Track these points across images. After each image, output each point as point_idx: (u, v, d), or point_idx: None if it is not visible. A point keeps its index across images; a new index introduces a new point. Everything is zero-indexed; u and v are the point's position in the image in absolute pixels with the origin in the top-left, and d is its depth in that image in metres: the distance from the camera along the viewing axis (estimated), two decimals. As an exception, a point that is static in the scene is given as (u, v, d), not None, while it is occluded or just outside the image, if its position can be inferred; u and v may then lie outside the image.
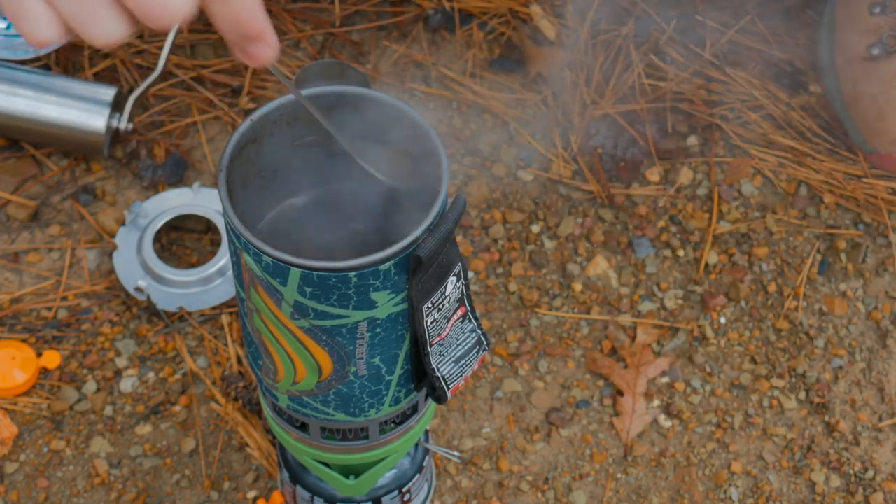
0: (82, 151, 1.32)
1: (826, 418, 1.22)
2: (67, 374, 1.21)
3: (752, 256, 1.29)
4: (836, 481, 1.19)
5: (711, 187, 1.33)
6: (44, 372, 1.21)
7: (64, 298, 1.25)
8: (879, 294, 1.28)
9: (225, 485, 1.17)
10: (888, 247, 1.31)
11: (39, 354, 1.22)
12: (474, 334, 0.88)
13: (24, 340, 1.22)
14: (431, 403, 0.97)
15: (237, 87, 1.37)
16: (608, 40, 1.40)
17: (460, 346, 0.87)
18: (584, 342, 1.24)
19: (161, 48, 1.38)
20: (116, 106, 1.30)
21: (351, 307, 0.79)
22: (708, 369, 1.23)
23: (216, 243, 1.29)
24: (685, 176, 1.34)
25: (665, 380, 1.23)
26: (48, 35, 0.68)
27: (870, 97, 1.30)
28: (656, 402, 1.21)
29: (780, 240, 1.31)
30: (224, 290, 1.25)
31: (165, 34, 1.33)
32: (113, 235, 1.28)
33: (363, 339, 0.82)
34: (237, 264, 0.82)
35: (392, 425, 0.94)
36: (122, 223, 1.29)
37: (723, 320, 1.26)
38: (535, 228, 1.30)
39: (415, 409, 0.94)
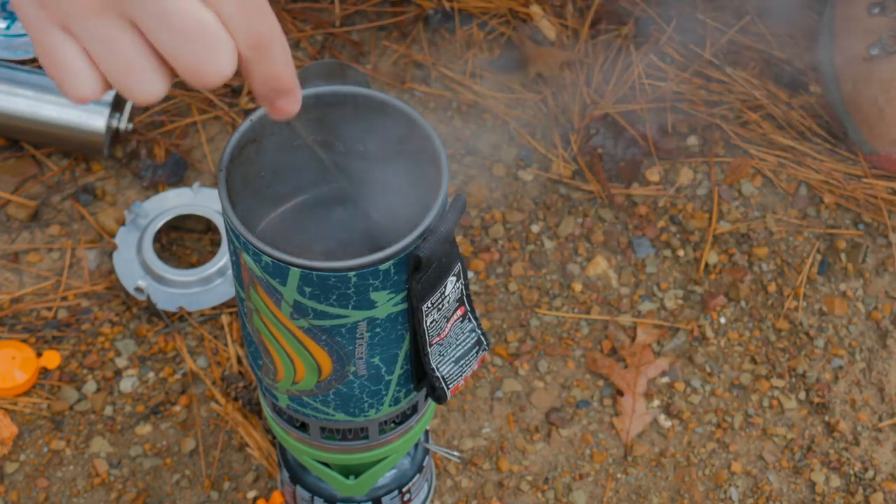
0: (82, 151, 1.32)
1: (826, 418, 1.22)
2: (67, 374, 1.21)
3: (752, 256, 1.29)
4: (836, 481, 1.19)
5: (711, 187, 1.33)
6: (44, 372, 1.21)
7: (64, 298, 1.25)
8: (879, 294, 1.28)
9: (225, 485, 1.17)
10: (888, 247, 1.31)
11: (39, 354, 1.22)
12: (474, 334, 0.88)
13: (24, 340, 1.23)
14: (431, 403, 0.97)
15: (237, 87, 1.37)
16: (608, 40, 1.40)
17: (460, 346, 0.87)
18: (584, 342, 1.24)
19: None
20: (116, 106, 1.30)
21: (350, 307, 0.79)
22: (708, 369, 1.23)
23: (216, 243, 1.29)
24: (685, 176, 1.34)
25: (665, 380, 1.23)
26: (89, 91, 0.68)
27: (869, 97, 1.30)
28: (656, 402, 1.21)
29: (780, 240, 1.31)
30: (224, 290, 1.25)
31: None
32: (113, 235, 1.28)
33: (363, 338, 0.82)
34: (237, 264, 0.82)
35: (392, 425, 0.94)
36: (122, 223, 1.29)
37: (723, 320, 1.26)
38: (535, 228, 1.30)
39: (415, 409, 0.94)
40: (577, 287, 1.27)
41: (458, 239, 1.29)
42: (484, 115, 1.37)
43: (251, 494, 1.16)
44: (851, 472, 1.19)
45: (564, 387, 1.22)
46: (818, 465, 1.19)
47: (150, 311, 1.24)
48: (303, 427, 0.94)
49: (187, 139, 1.35)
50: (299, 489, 1.06)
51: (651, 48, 1.40)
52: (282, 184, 0.87)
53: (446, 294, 0.82)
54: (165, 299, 1.24)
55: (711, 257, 1.29)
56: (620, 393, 1.22)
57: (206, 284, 1.25)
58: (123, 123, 1.30)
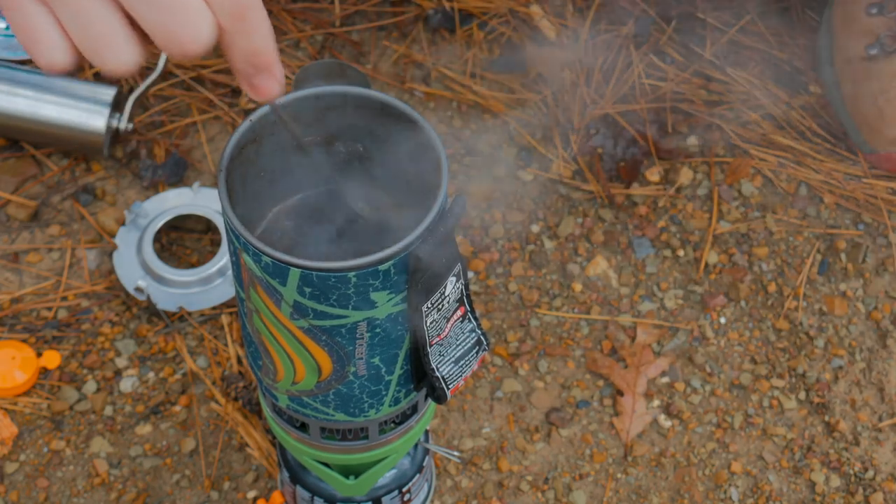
0: (82, 151, 1.32)
1: (826, 418, 1.22)
2: (67, 374, 1.21)
3: (752, 256, 1.29)
4: (836, 481, 1.19)
5: (711, 187, 1.33)
6: (44, 372, 1.22)
7: (64, 298, 1.25)
8: (879, 294, 1.28)
9: (225, 485, 1.17)
10: (888, 247, 1.31)
11: (39, 354, 1.22)
12: (474, 334, 0.88)
13: (24, 340, 1.23)
14: (431, 403, 0.97)
15: (237, 88, 1.37)
16: (608, 40, 1.40)
17: (460, 346, 0.87)
18: (584, 342, 1.24)
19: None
20: (116, 106, 1.30)
21: (350, 307, 0.79)
22: (708, 369, 1.23)
23: (216, 243, 1.29)
24: (685, 176, 1.34)
25: (665, 380, 1.23)
26: (61, 61, 0.67)
27: (869, 97, 1.30)
28: (656, 402, 1.21)
29: (780, 240, 1.31)
30: (224, 290, 1.25)
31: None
32: (113, 235, 1.28)
33: (363, 339, 0.82)
34: (237, 264, 0.82)
35: (392, 425, 0.94)
36: (122, 223, 1.29)
37: (723, 320, 1.26)
38: (535, 228, 1.30)
39: (414, 409, 0.94)
40: (577, 287, 1.27)
41: (458, 239, 1.29)
42: (484, 115, 1.37)
43: (251, 494, 1.16)
44: (851, 472, 1.19)
45: (564, 387, 1.22)
46: (818, 465, 1.19)
47: (150, 311, 1.24)
48: (303, 427, 0.94)
49: (187, 139, 1.35)
50: (299, 489, 1.06)
51: (651, 48, 1.40)
52: (282, 184, 0.87)
53: (446, 294, 0.82)
54: (165, 299, 1.24)
55: (711, 257, 1.29)
56: (620, 393, 1.22)
57: (206, 284, 1.25)
58: (123, 123, 1.30)
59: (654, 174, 1.34)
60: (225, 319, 1.24)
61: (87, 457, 1.18)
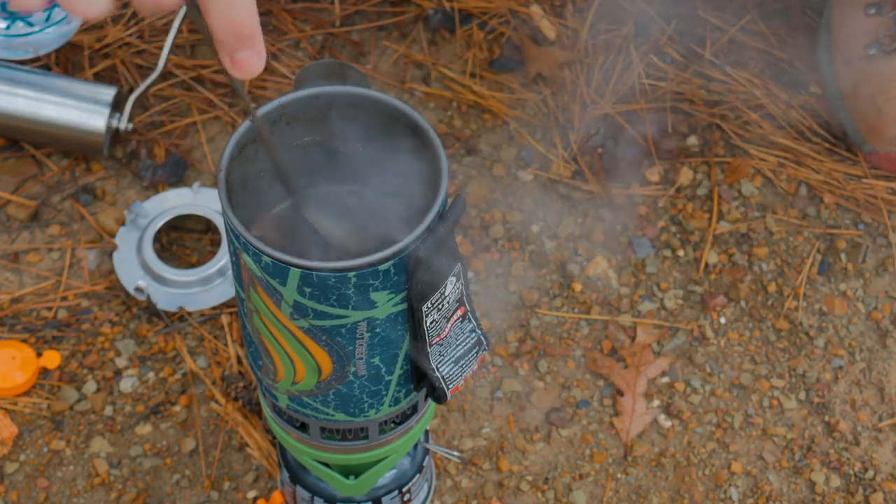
0: (82, 151, 1.32)
1: (826, 418, 1.22)
2: (67, 374, 1.21)
3: (752, 256, 1.29)
4: (836, 481, 1.19)
5: (711, 187, 1.33)
6: (44, 372, 1.22)
7: (64, 298, 1.25)
8: (879, 294, 1.28)
9: (225, 485, 1.17)
10: (888, 247, 1.31)
11: (39, 354, 1.22)
12: (474, 334, 0.88)
13: (24, 340, 1.23)
14: (431, 403, 0.97)
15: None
16: (608, 40, 1.40)
17: (460, 346, 0.87)
18: (584, 342, 1.24)
19: (161, 48, 1.38)
20: (116, 106, 1.30)
21: (350, 307, 0.79)
22: (708, 369, 1.23)
23: (216, 243, 1.29)
24: (685, 176, 1.34)
25: (665, 380, 1.23)
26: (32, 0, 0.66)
27: (868, 97, 1.30)
28: (656, 402, 1.21)
29: (780, 240, 1.31)
30: (224, 290, 1.25)
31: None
32: (113, 235, 1.28)
33: (363, 339, 0.82)
34: (237, 264, 0.82)
35: (392, 425, 0.94)
36: (122, 223, 1.29)
37: (723, 320, 1.26)
38: (535, 228, 1.30)
39: (414, 409, 0.94)
40: (577, 287, 1.27)
41: (458, 239, 1.29)
42: (484, 115, 1.37)
43: (251, 494, 1.16)
44: (851, 472, 1.19)
45: (564, 387, 1.22)
46: (818, 465, 1.19)
47: (150, 311, 1.24)
48: (303, 427, 0.94)
49: (187, 139, 1.35)
50: (299, 489, 1.06)
51: (651, 48, 1.40)
52: (282, 184, 0.86)
53: (446, 294, 0.82)
54: (165, 299, 1.24)
55: (711, 257, 1.29)
56: (620, 393, 1.22)
57: (206, 284, 1.25)
58: (123, 123, 1.30)
59: (654, 174, 1.34)
60: (225, 319, 1.24)
61: (87, 457, 1.18)
